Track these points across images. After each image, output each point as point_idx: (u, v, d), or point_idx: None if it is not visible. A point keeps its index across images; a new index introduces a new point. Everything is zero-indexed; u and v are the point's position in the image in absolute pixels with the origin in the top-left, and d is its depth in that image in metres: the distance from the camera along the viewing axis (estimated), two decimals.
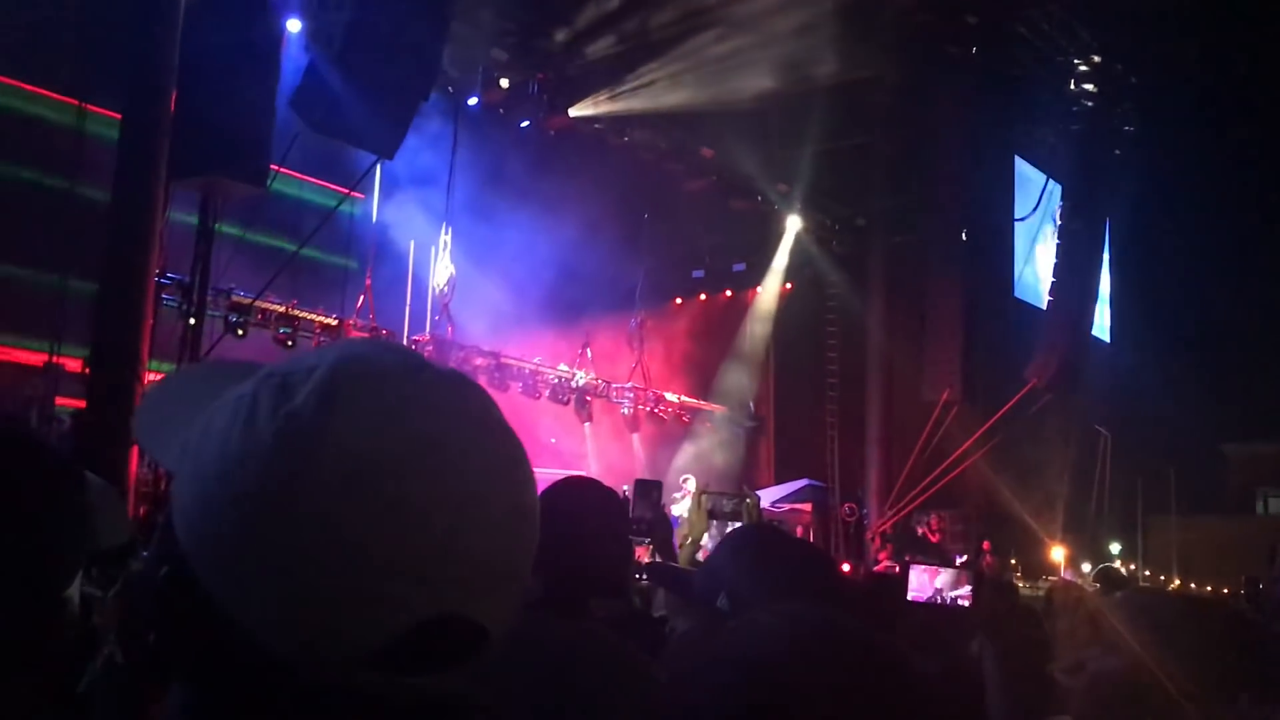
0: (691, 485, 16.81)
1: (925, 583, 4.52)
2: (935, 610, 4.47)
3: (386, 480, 0.83)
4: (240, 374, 0.94)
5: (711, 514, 4.08)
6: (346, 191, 14.86)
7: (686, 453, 22.95)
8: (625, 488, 19.55)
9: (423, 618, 0.83)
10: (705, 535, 4.22)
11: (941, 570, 4.69)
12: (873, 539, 20.99)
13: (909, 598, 4.50)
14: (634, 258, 22.61)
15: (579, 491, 2.59)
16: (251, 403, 0.87)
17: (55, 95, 15.60)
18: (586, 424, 21.48)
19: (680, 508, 16.60)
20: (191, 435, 0.90)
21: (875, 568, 18.54)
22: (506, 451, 0.91)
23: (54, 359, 13.44)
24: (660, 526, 4.39)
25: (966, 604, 4.51)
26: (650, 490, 4.42)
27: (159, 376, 11.59)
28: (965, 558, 18.71)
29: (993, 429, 20.14)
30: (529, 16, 17.58)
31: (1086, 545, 21.34)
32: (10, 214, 15.44)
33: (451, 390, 0.91)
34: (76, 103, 13.92)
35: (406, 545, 0.83)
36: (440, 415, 0.88)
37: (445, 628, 0.84)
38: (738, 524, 4.38)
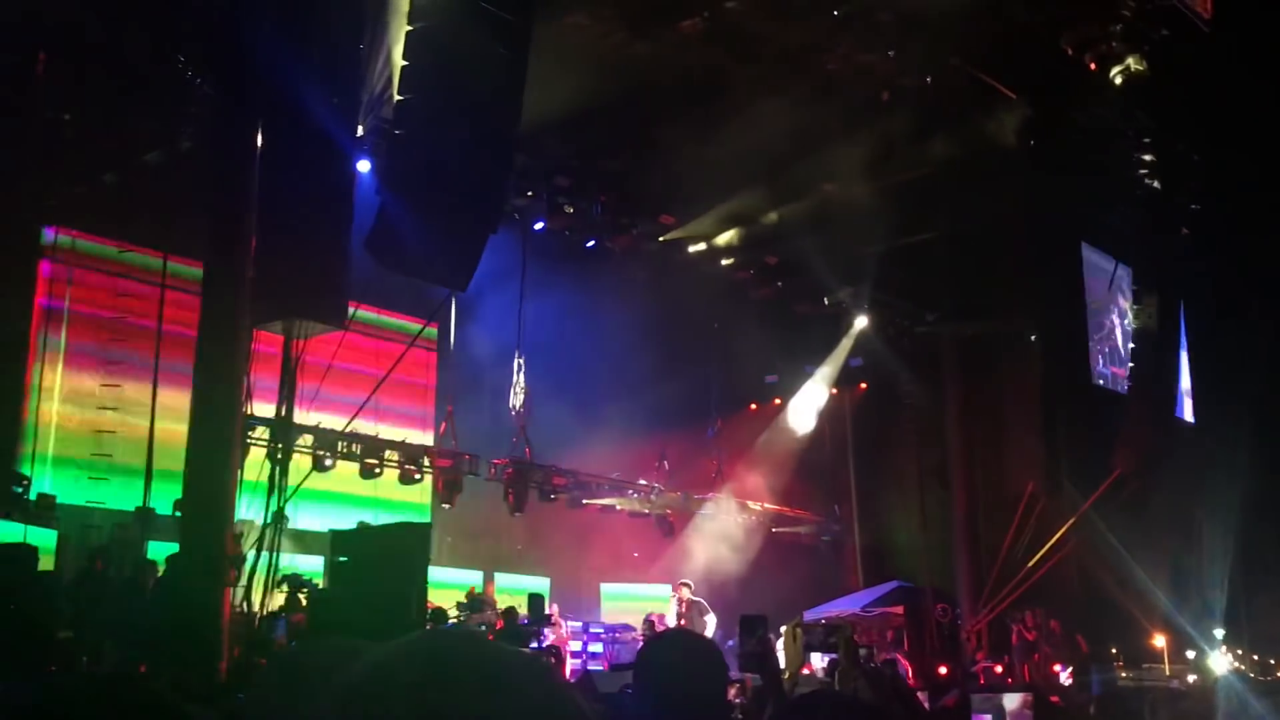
0: (686, 593, 16.86)
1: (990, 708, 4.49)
2: None
3: None
4: (343, 655, 1.03)
5: (807, 646, 4.08)
6: (423, 324, 15.14)
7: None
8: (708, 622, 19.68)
9: None
10: (802, 669, 4.22)
11: (1003, 695, 4.65)
12: (968, 639, 20.57)
13: None
14: (706, 367, 22.72)
15: (672, 653, 2.65)
16: (350, 702, 0.95)
17: (139, 249, 16.21)
18: (667, 536, 21.43)
19: (670, 617, 16.70)
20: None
21: (974, 668, 18.18)
22: None
23: (146, 504, 13.75)
24: (769, 660, 4.38)
25: None
26: (755, 625, 4.42)
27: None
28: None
29: (1084, 519, 19.77)
30: (589, 143, 17.96)
31: (1189, 632, 20.76)
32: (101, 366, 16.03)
33: (528, 686, 0.97)
34: (161, 256, 14.47)
35: None
36: (519, 703, 0.95)
37: None
38: (833, 656, 4.37)
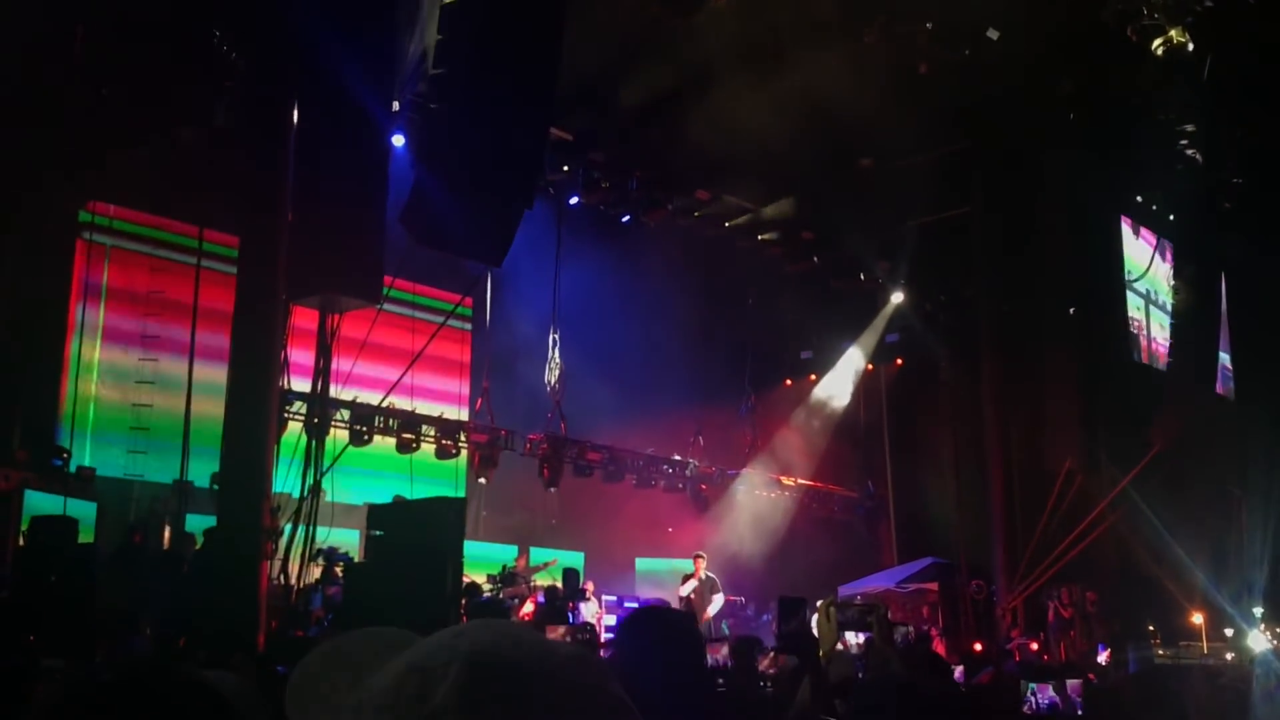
0: (701, 565, 16.97)
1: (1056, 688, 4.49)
2: None
3: None
4: (386, 647, 1.02)
5: (841, 625, 4.09)
6: (458, 299, 15.16)
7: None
8: (741, 599, 19.70)
9: None
10: (836, 645, 4.24)
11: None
12: (1003, 616, 20.47)
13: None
14: (741, 342, 22.67)
15: (648, 628, 2.67)
16: (395, 699, 0.94)
17: (175, 224, 16.33)
18: (702, 512, 21.43)
19: (687, 588, 16.80)
20: (342, 718, 0.98)
21: (1009, 645, 18.09)
22: None
23: (184, 478, 13.86)
24: (807, 643, 4.39)
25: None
26: (795, 608, 4.44)
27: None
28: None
29: (1120, 496, 19.60)
30: (625, 118, 17.90)
31: (1227, 609, 20.60)
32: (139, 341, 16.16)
33: (575, 681, 0.97)
34: (197, 231, 14.54)
35: None
36: (565, 709, 0.94)
37: None
38: (867, 634, 4.37)
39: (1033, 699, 4.58)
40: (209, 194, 14.18)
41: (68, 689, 1.38)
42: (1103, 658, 17.04)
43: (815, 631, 4.71)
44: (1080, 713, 4.46)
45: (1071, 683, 4.63)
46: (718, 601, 17.23)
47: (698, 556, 17.57)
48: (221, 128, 13.78)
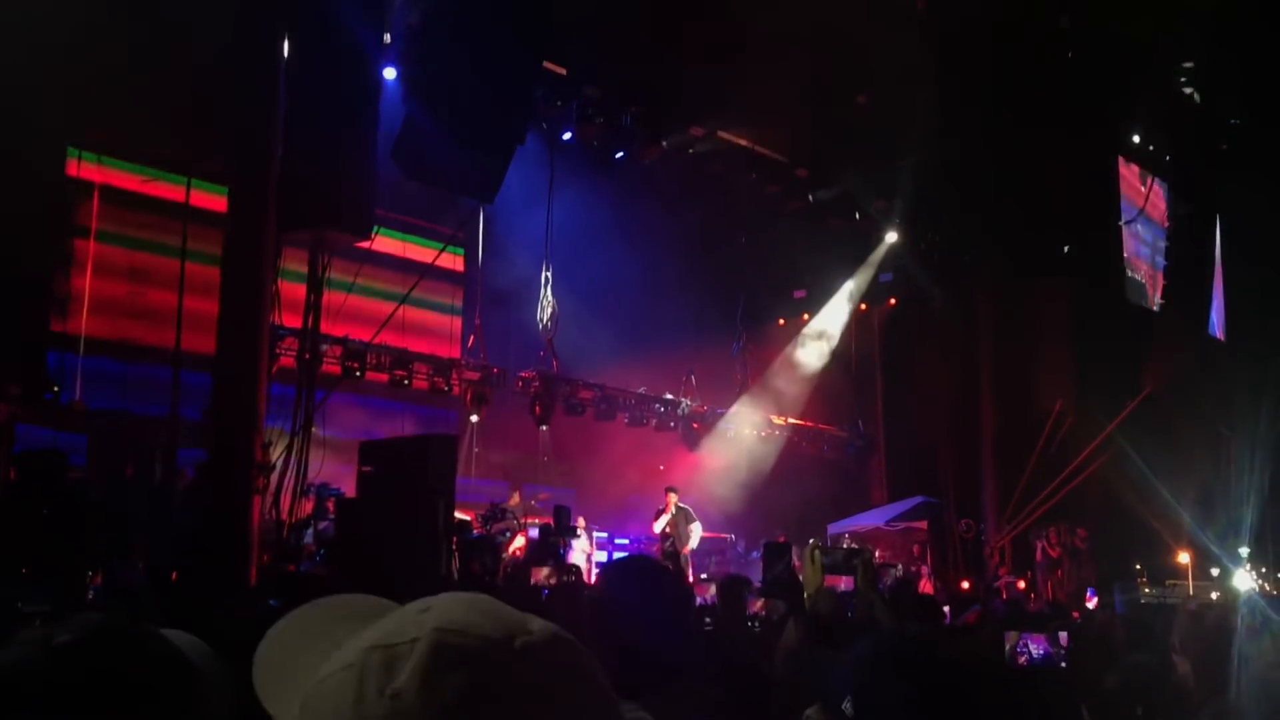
0: (672, 500, 17.05)
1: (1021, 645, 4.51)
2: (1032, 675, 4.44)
3: None
4: (354, 615, 1.00)
5: (827, 569, 4.12)
6: (449, 234, 15.08)
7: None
8: (731, 536, 19.81)
9: None
10: (821, 588, 4.28)
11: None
12: (991, 555, 20.65)
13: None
14: (734, 282, 22.62)
15: (630, 579, 2.67)
16: (359, 678, 0.92)
17: (166, 153, 16.18)
18: (694, 450, 21.50)
19: (658, 525, 16.90)
20: (306, 698, 0.96)
21: (997, 584, 18.26)
22: (597, 714, 0.96)
23: (175, 411, 13.84)
24: (793, 587, 4.42)
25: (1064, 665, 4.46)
26: (779, 552, 4.47)
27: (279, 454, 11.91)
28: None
29: (1109, 438, 19.69)
30: (619, 52, 17.70)
31: (1214, 549, 20.78)
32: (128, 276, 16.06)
33: (545, 659, 0.94)
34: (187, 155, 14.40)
35: None
36: (536, 687, 0.92)
37: None
38: (850, 577, 4.39)
39: (1027, 649, 4.59)
40: (199, 126, 14.02)
41: (18, 653, 1.36)
42: (1091, 603, 17.19)
43: (801, 575, 4.73)
44: (1064, 664, 4.48)
45: (1064, 634, 4.64)
46: (696, 531, 17.31)
47: (669, 491, 17.65)
48: (211, 60, 13.60)
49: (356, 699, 0.91)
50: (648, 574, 2.68)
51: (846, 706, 2.19)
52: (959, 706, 2.26)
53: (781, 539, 16.92)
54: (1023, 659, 4.57)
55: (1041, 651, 4.55)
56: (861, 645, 2.42)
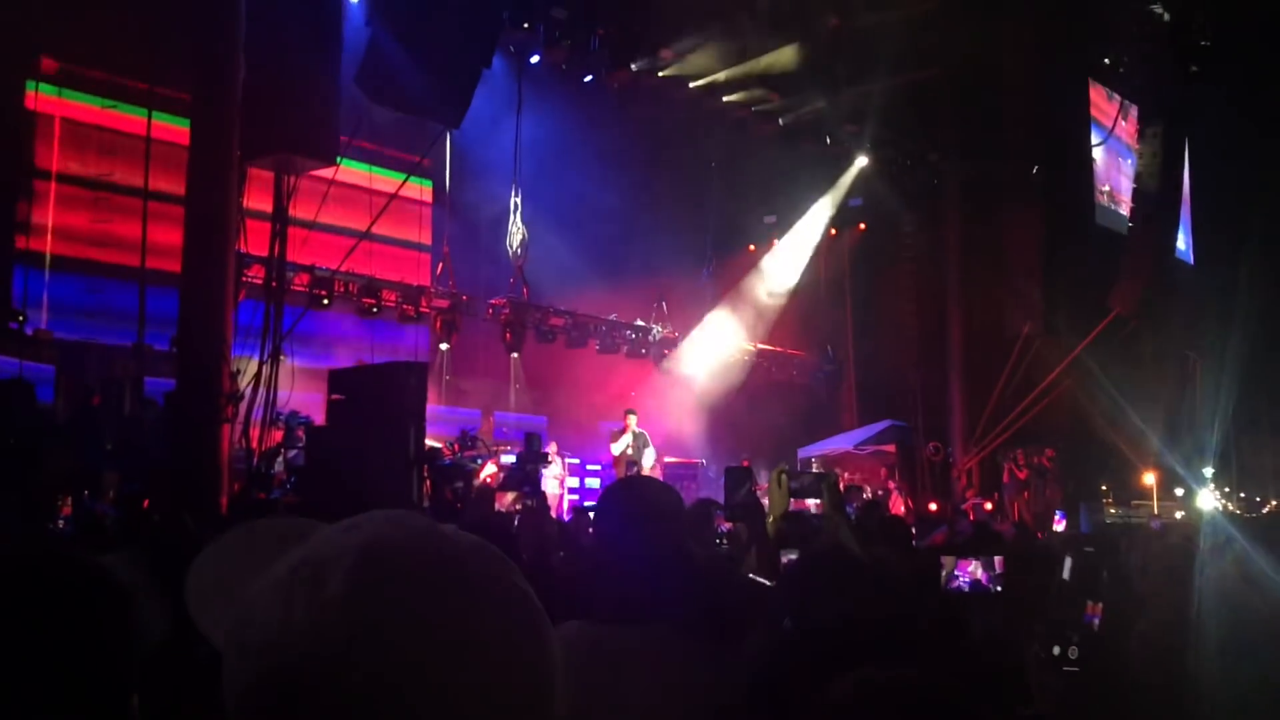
0: (631, 421, 17.08)
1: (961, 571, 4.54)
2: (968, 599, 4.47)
3: (412, 667, 0.89)
4: (288, 538, 1.00)
5: (793, 493, 4.14)
6: (416, 160, 14.92)
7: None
8: (703, 460, 19.87)
9: None
10: (787, 510, 4.30)
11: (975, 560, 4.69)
12: (959, 477, 20.86)
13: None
14: (704, 207, 22.53)
15: (624, 504, 2.65)
16: (289, 590, 0.93)
17: (126, 82, 15.93)
18: (666, 376, 21.52)
19: (617, 446, 16.94)
20: (237, 616, 0.96)
21: (964, 505, 18.45)
22: (527, 631, 0.96)
23: (142, 340, 13.75)
24: (753, 511, 4.46)
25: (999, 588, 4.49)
26: (741, 477, 4.51)
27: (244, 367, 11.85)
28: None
29: (1077, 360, 19.82)
30: None
31: (1179, 470, 21.05)
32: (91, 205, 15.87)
33: (472, 572, 0.96)
34: (146, 88, 14.17)
35: None
36: (460, 600, 0.93)
37: None
38: (816, 500, 4.42)
39: (957, 578, 4.63)
40: (160, 50, 13.80)
41: None
42: (1059, 525, 17.42)
43: (768, 498, 4.76)
44: (1000, 588, 4.51)
45: (998, 560, 4.66)
46: (650, 456, 17.36)
47: (628, 413, 17.66)
48: None
49: (284, 613, 0.91)
50: (642, 500, 2.66)
51: (786, 624, 2.21)
52: (892, 618, 2.28)
53: (745, 463, 17.05)
54: (955, 584, 4.61)
55: (970, 580, 4.58)
56: (796, 563, 2.43)
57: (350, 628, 0.89)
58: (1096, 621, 3.91)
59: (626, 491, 2.74)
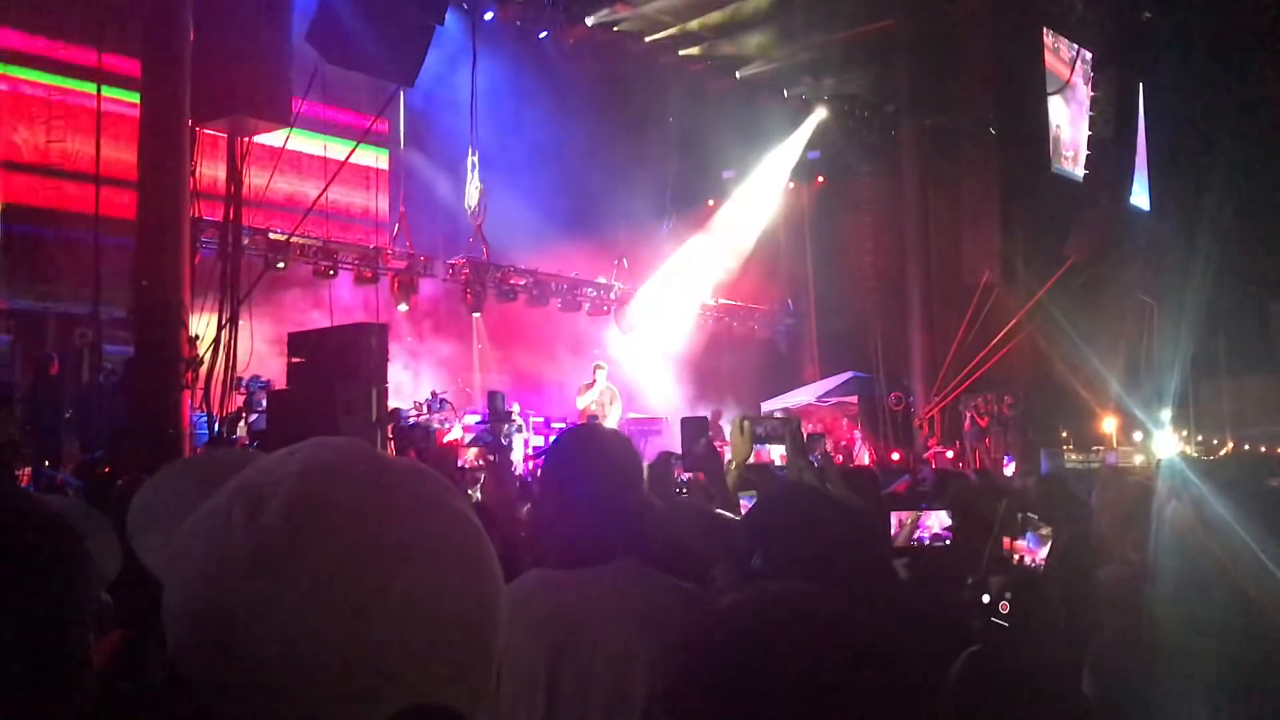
0: (600, 376, 17.12)
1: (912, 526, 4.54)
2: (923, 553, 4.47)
3: (350, 587, 0.89)
4: (227, 468, 1.01)
5: (756, 438, 4.15)
6: (370, 121, 14.80)
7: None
8: (666, 417, 19.85)
9: (397, 708, 0.90)
10: (750, 459, 4.29)
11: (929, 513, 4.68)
12: (920, 426, 21.01)
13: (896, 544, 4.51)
14: (663, 163, 22.45)
15: (577, 450, 2.63)
16: (226, 517, 0.93)
17: (73, 45, 15.69)
18: (628, 334, 21.49)
19: (583, 400, 16.97)
20: (176, 545, 0.96)
21: (926, 454, 18.59)
22: (466, 548, 0.97)
23: (98, 308, 13.64)
24: (712, 462, 4.46)
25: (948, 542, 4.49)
26: (698, 428, 4.52)
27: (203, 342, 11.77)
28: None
29: (1036, 307, 19.96)
30: None
31: (1138, 414, 21.28)
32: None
33: (411, 492, 0.96)
34: (95, 52, 13.98)
35: (374, 646, 0.89)
36: (400, 519, 0.94)
37: (422, 714, 0.91)
38: (779, 447, 4.41)
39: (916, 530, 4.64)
40: (107, 13, 13.61)
41: None
42: (1009, 469, 17.59)
43: (730, 447, 4.77)
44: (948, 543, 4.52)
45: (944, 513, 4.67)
46: (616, 412, 17.39)
47: (597, 366, 17.64)
48: None
49: (224, 536, 0.92)
50: (596, 446, 2.64)
51: (756, 561, 2.22)
52: (857, 542, 2.30)
53: (717, 415, 17.10)
54: (914, 537, 4.61)
55: (929, 534, 4.59)
56: (758, 502, 2.44)
57: (287, 550, 0.90)
58: (1030, 560, 3.89)
59: (574, 439, 2.72)
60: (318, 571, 0.89)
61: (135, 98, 12.22)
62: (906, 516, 4.67)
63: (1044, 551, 3.97)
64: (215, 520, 0.94)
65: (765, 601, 1.06)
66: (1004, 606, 2.82)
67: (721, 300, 23.66)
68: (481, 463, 13.67)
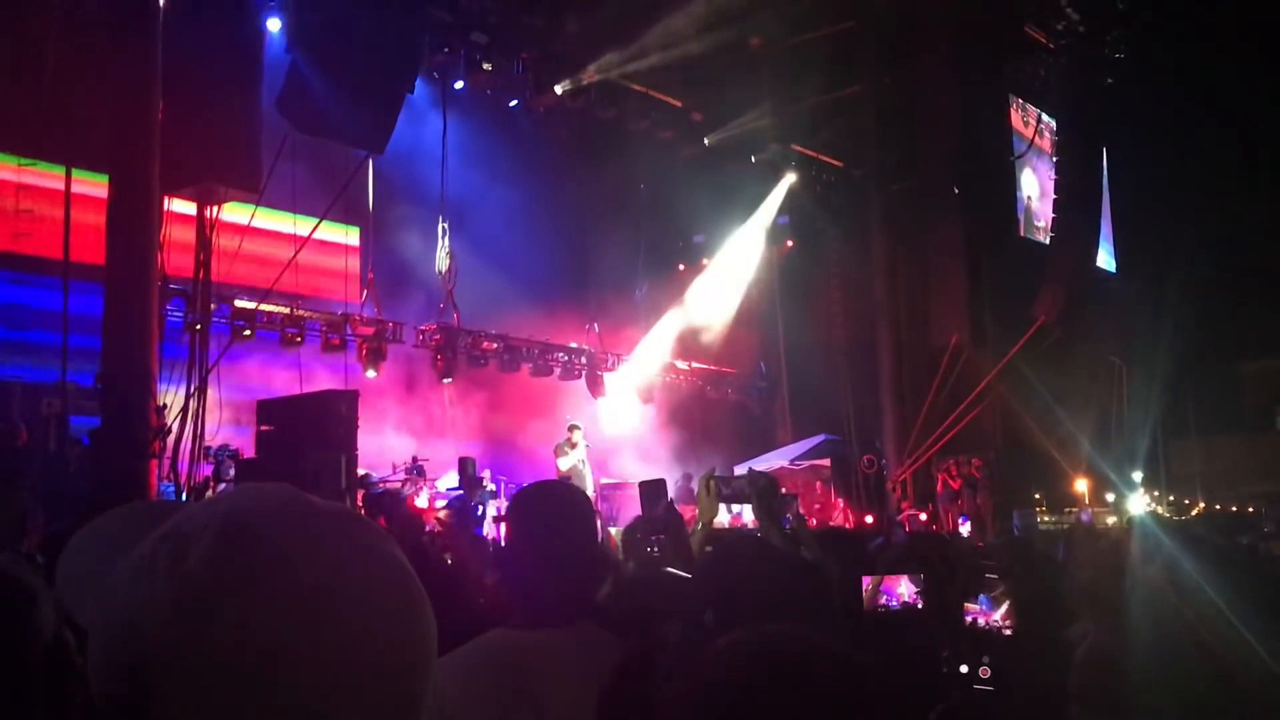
0: (579, 436, 17.07)
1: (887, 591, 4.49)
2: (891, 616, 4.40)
3: (274, 631, 0.88)
4: (155, 517, 0.99)
5: (722, 498, 4.12)
6: (340, 190, 14.81)
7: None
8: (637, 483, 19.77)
9: None
10: (716, 519, 4.27)
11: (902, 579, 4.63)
12: (893, 489, 21.01)
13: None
14: (634, 229, 22.56)
15: (537, 507, 2.65)
16: (150, 564, 0.92)
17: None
18: (600, 399, 21.45)
19: (566, 461, 16.90)
20: (101, 596, 0.95)
21: (899, 517, 18.57)
22: (395, 593, 0.95)
23: (65, 378, 13.50)
24: (673, 524, 4.44)
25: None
26: (656, 490, 4.50)
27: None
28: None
29: (1006, 368, 20.07)
30: None
31: (1110, 475, 21.38)
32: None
33: (339, 537, 0.95)
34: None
35: (298, 691, 0.87)
36: (327, 563, 0.92)
37: None
38: (747, 505, 4.40)
39: (883, 596, 4.56)
40: (73, 84, 13.55)
41: None
42: (965, 529, 17.63)
43: (698, 507, 4.74)
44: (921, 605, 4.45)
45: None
46: (589, 474, 17.37)
47: (573, 426, 17.58)
48: (88, 13, 13.16)
49: (148, 581, 0.91)
50: (559, 503, 2.66)
51: (708, 616, 2.20)
52: (807, 591, 2.28)
53: (665, 479, 16.99)
54: (881, 603, 4.53)
55: (897, 601, 4.52)
56: (710, 554, 2.44)
57: (208, 599, 0.88)
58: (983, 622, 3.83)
59: (528, 497, 2.75)
60: (240, 615, 0.87)
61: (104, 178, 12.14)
62: (869, 582, 4.59)
63: (998, 613, 3.90)
64: (140, 566, 0.92)
65: (758, 641, 1.06)
66: (984, 672, 2.78)
67: (695, 364, 23.69)
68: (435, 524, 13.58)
